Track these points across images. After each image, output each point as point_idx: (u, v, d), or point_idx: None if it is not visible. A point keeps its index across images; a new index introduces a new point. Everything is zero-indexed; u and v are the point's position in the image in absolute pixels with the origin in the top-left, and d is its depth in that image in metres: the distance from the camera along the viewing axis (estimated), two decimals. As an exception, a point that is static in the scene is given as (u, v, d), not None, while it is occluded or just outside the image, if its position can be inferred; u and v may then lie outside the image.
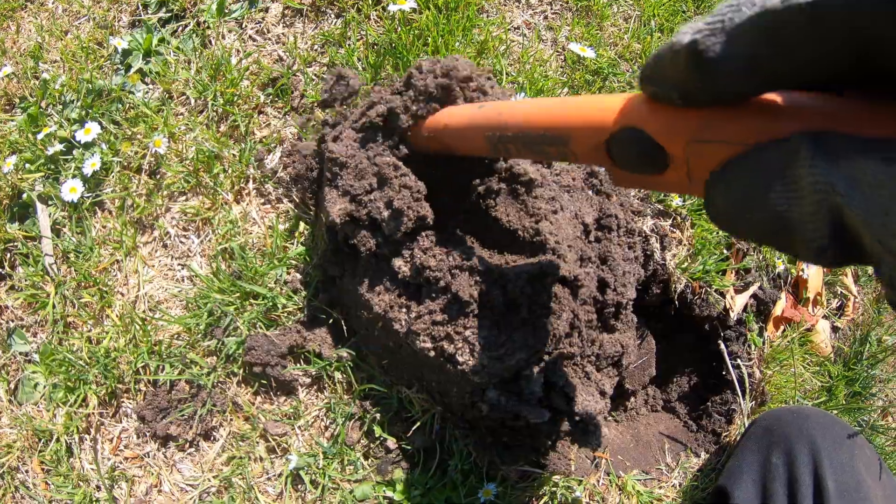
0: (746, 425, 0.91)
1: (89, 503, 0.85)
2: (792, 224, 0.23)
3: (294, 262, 0.81)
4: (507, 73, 0.90)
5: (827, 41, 0.21)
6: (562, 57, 0.98)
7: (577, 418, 0.65)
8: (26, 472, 0.87)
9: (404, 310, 0.62)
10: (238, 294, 0.79)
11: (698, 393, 0.99)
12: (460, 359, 0.57)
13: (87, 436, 0.85)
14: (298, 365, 0.78)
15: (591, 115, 0.37)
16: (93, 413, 0.84)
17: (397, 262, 0.61)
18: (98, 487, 0.85)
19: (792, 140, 0.23)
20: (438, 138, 0.58)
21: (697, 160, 0.30)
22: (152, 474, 0.83)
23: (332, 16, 0.94)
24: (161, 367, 0.81)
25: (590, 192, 0.74)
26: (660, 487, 0.90)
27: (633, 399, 0.95)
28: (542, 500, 0.83)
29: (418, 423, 0.75)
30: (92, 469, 0.83)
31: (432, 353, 0.59)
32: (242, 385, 0.80)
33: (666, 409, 0.97)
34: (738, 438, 0.92)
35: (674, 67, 0.26)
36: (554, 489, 0.83)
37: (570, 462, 0.84)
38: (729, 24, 0.23)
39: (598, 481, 0.87)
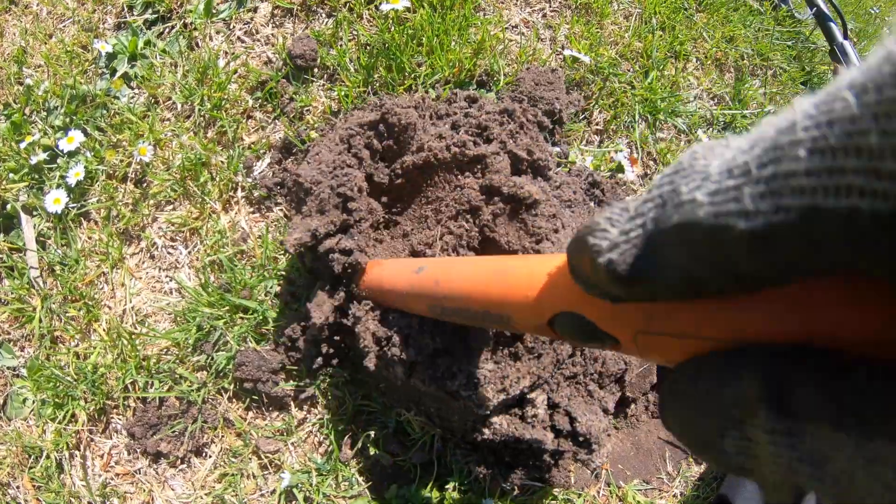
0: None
1: (81, 520, 0.83)
2: (753, 477, 0.20)
3: (285, 273, 0.78)
4: (504, 74, 0.87)
5: (772, 258, 0.17)
6: (561, 56, 0.94)
7: (580, 438, 0.63)
8: (17, 488, 0.85)
9: None
10: (227, 308, 0.77)
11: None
12: (464, 394, 0.55)
13: (77, 452, 0.83)
14: (290, 381, 0.76)
15: (530, 298, 0.34)
16: (82, 429, 0.82)
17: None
18: None
19: (744, 380, 0.19)
20: (380, 299, 0.56)
21: (649, 350, 0.27)
22: (144, 491, 0.81)
23: (324, 15, 0.91)
24: (150, 383, 0.79)
25: (592, 205, 0.71)
26: (661, 497, 0.88)
27: (633, 406, 0.93)
28: (542, 514, 0.81)
29: (418, 443, 0.73)
30: (83, 485, 0.82)
31: (435, 391, 0.57)
32: (233, 401, 0.78)
33: (668, 418, 0.95)
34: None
35: (592, 273, 0.23)
36: (553, 502, 0.81)
37: (570, 474, 0.82)
38: (646, 232, 0.20)
39: (599, 492, 0.85)
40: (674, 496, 0.90)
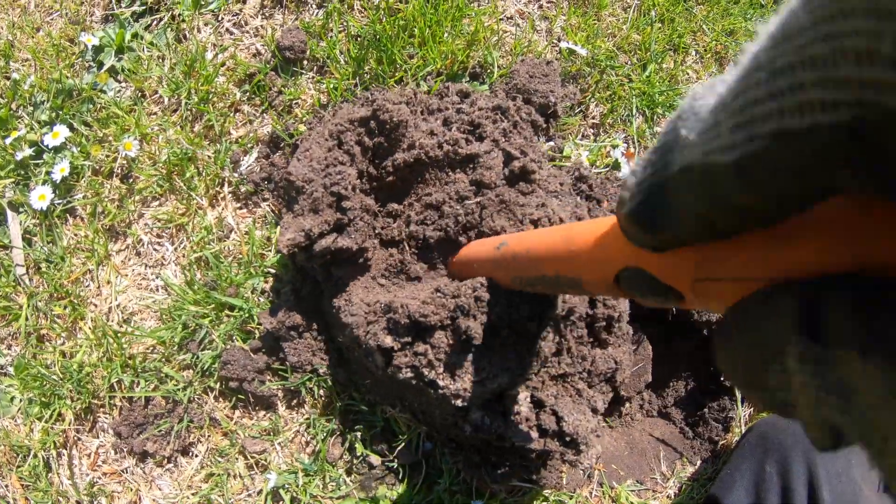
0: (743, 432, 0.88)
1: (69, 519, 0.82)
2: (794, 414, 0.20)
3: (272, 270, 0.77)
4: (498, 66, 0.85)
5: (761, 188, 0.17)
6: (557, 48, 0.92)
7: (567, 438, 0.62)
8: (6, 486, 0.85)
9: None
10: (213, 306, 0.76)
11: (695, 399, 0.95)
12: (441, 383, 0.54)
13: (64, 451, 0.82)
14: (276, 380, 0.74)
15: (594, 258, 0.37)
16: (69, 428, 0.81)
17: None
18: (78, 503, 0.83)
19: (782, 310, 0.19)
20: (469, 275, 0.59)
21: (708, 297, 0.27)
22: (131, 490, 0.80)
23: (314, 6, 0.89)
24: (136, 382, 0.78)
25: (578, 199, 0.69)
26: (654, 498, 0.87)
27: (627, 404, 0.92)
28: (534, 516, 0.80)
29: (403, 443, 0.72)
30: (70, 485, 0.81)
31: (413, 382, 0.56)
32: (220, 400, 0.77)
33: (662, 415, 0.93)
34: (733, 446, 0.88)
35: (627, 227, 0.25)
36: (545, 503, 0.80)
37: (562, 475, 0.80)
38: (657, 179, 0.21)
39: (591, 493, 0.84)
40: (668, 497, 0.88)
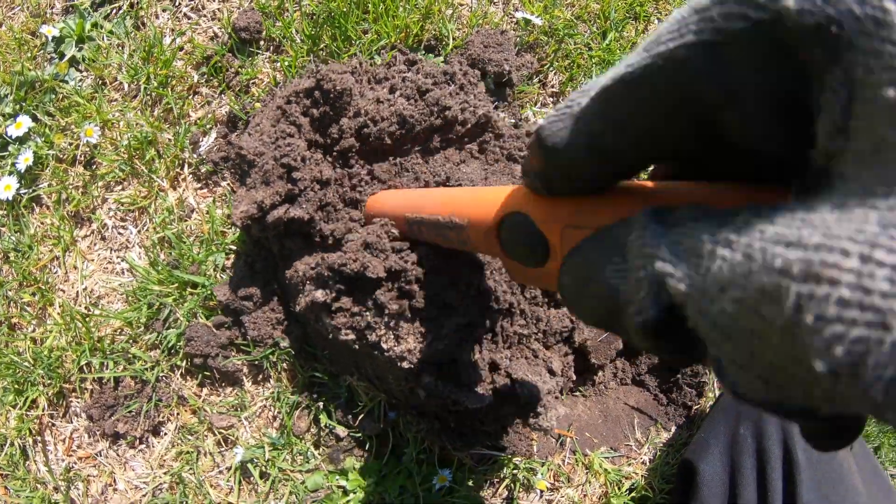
0: (717, 397, 0.88)
1: (48, 505, 0.83)
2: (621, 300, 0.21)
3: (234, 247, 0.77)
4: (453, 38, 0.85)
5: (658, 115, 0.20)
6: (514, 19, 0.92)
7: (522, 401, 0.62)
8: (-16, 475, 0.86)
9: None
10: (176, 284, 0.76)
11: (668, 365, 0.95)
12: (385, 346, 0.54)
13: (39, 438, 0.83)
14: (239, 355, 0.75)
15: (487, 202, 0.40)
16: (43, 414, 0.82)
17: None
18: (56, 489, 0.84)
19: (638, 216, 0.21)
20: (378, 213, 0.61)
21: (572, 244, 0.30)
22: (106, 473, 0.81)
23: (271, -11, 0.90)
24: (105, 364, 0.79)
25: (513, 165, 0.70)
26: (629, 465, 0.87)
27: (601, 373, 0.92)
28: (503, 484, 0.80)
29: (364, 412, 0.72)
30: (47, 471, 0.82)
31: (357, 346, 0.56)
32: (187, 378, 0.78)
33: (636, 383, 0.93)
34: (707, 411, 0.88)
35: (532, 156, 0.27)
36: (515, 472, 0.80)
37: (532, 442, 0.81)
38: (575, 109, 0.23)
39: (564, 461, 0.84)
40: (642, 463, 0.88)
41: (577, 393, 0.91)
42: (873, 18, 0.14)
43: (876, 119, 0.14)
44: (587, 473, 0.84)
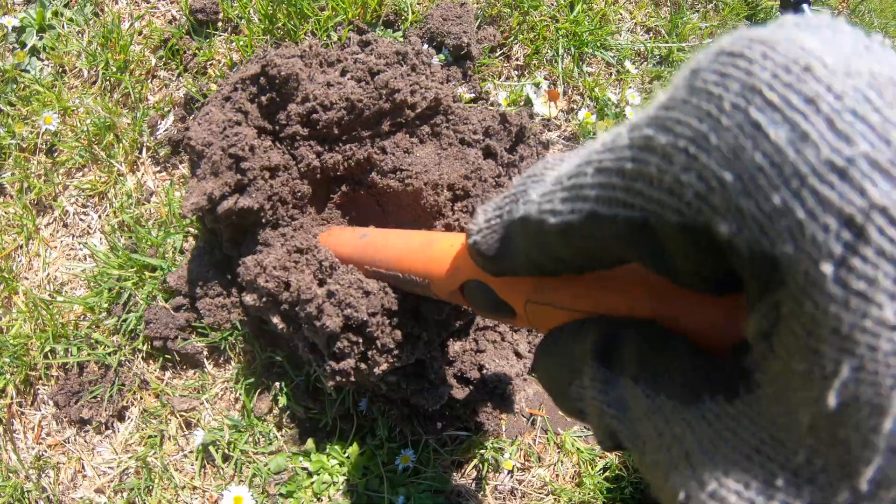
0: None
1: (20, 494, 0.83)
2: (587, 421, 0.25)
3: (192, 229, 0.77)
4: (412, 12, 0.84)
5: (588, 254, 0.22)
6: (477, -6, 0.91)
7: (490, 386, 0.60)
8: (-42, 466, 0.86)
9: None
10: (135, 268, 0.76)
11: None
12: (327, 369, 0.53)
13: (9, 427, 0.83)
14: (196, 337, 0.74)
15: (445, 267, 0.41)
16: (12, 403, 0.82)
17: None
18: (27, 478, 0.84)
19: (586, 338, 0.24)
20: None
21: (536, 317, 0.32)
22: (74, 459, 0.81)
23: (232, -29, 0.89)
24: (68, 349, 0.79)
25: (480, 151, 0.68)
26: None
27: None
28: (472, 464, 0.79)
29: (330, 398, 0.71)
30: (17, 461, 0.82)
31: (311, 355, 0.55)
32: (148, 362, 0.77)
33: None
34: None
35: (473, 254, 0.29)
36: (482, 451, 0.79)
37: (501, 422, 0.79)
38: (505, 219, 0.25)
39: (535, 440, 0.83)
40: (617, 441, 0.86)
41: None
42: (805, 274, 0.14)
43: (793, 353, 0.15)
44: (559, 453, 0.82)
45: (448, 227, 0.58)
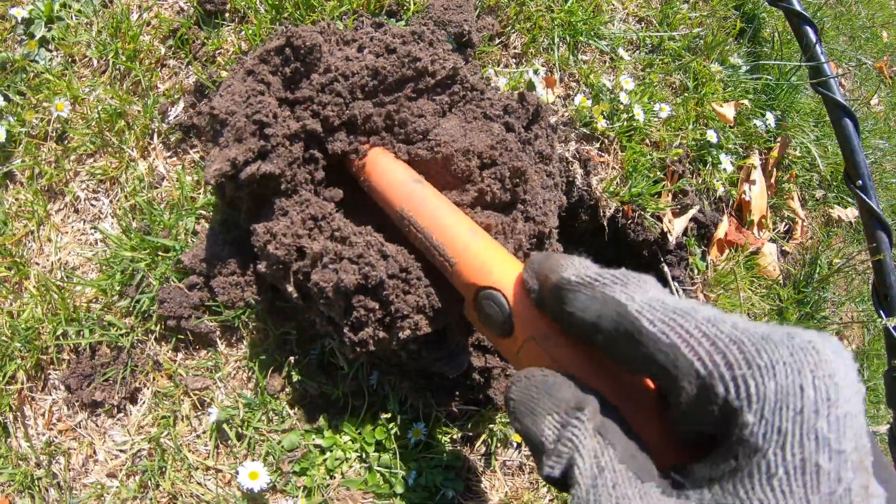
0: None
1: (31, 482, 0.83)
2: (540, 448, 0.31)
3: (203, 211, 0.78)
4: (414, 2, 0.87)
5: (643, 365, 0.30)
6: (477, -14, 0.94)
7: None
8: (-34, 454, 0.86)
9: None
10: (148, 250, 0.77)
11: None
12: (345, 338, 0.56)
13: (20, 413, 0.84)
14: (210, 315, 0.76)
15: (480, 261, 0.43)
16: (22, 388, 0.83)
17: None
18: (38, 465, 0.84)
19: (569, 392, 0.32)
20: (375, 183, 0.61)
21: (528, 354, 0.37)
22: (86, 444, 0.81)
23: (237, -35, 0.91)
24: (81, 332, 0.79)
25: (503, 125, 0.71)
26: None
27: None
28: (481, 439, 0.81)
29: (343, 372, 0.73)
30: (28, 447, 0.82)
31: (331, 328, 0.57)
32: (161, 343, 0.78)
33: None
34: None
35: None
36: (492, 426, 0.81)
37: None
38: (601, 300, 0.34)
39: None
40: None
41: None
42: (764, 434, 0.22)
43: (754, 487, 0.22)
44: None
45: (480, 193, 0.61)
